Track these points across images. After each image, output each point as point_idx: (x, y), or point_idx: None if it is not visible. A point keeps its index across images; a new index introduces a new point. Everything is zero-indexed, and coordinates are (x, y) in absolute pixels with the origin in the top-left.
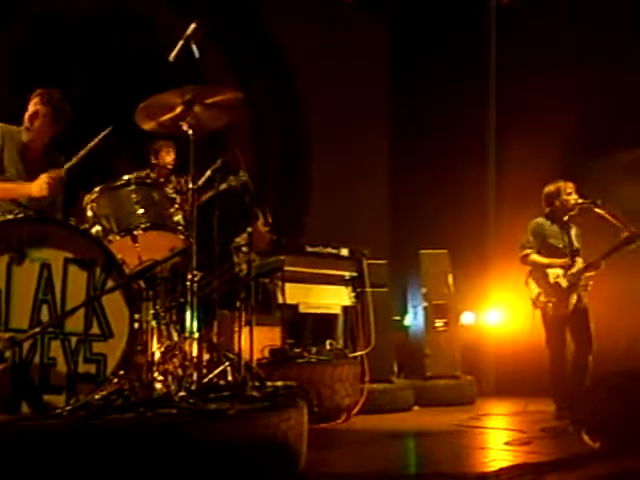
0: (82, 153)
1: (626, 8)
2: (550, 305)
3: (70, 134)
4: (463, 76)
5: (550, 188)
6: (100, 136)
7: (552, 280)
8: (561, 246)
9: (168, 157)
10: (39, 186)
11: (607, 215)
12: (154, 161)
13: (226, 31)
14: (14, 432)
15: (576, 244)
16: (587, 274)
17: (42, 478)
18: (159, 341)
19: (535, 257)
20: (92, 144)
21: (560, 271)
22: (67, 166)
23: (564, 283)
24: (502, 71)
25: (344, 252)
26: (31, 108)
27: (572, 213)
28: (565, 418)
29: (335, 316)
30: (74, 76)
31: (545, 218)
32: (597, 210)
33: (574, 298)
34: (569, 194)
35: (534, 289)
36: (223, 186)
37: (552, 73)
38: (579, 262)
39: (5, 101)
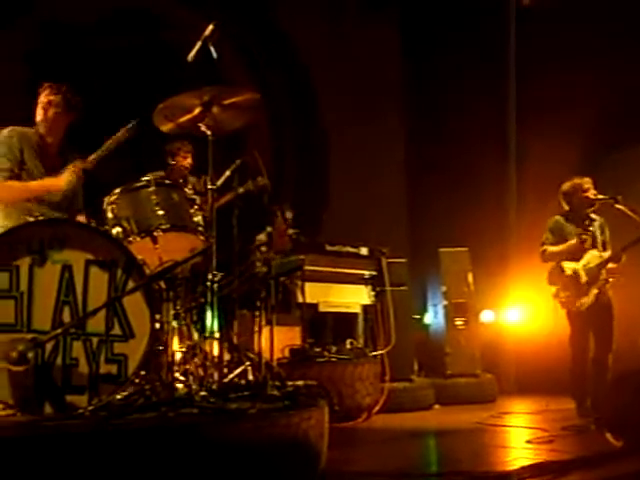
0: (107, 145)
1: None
2: (571, 299)
3: (89, 135)
4: (482, 73)
5: (566, 186)
6: (124, 129)
7: (569, 272)
8: (582, 241)
9: (185, 160)
10: (67, 177)
11: (627, 210)
12: (171, 162)
13: (240, 30)
14: (37, 432)
15: (600, 237)
16: (608, 267)
17: (64, 478)
18: (180, 341)
19: (550, 249)
20: (117, 137)
21: (577, 265)
22: (92, 157)
23: (583, 277)
24: (521, 68)
25: (363, 251)
26: (44, 99)
27: (593, 209)
28: (587, 416)
29: (355, 315)
30: (89, 78)
31: (563, 217)
32: (617, 206)
33: (594, 292)
34: (587, 190)
35: (555, 284)
36: (241, 190)
37: (571, 70)
38: (595, 254)
39: (19, 106)
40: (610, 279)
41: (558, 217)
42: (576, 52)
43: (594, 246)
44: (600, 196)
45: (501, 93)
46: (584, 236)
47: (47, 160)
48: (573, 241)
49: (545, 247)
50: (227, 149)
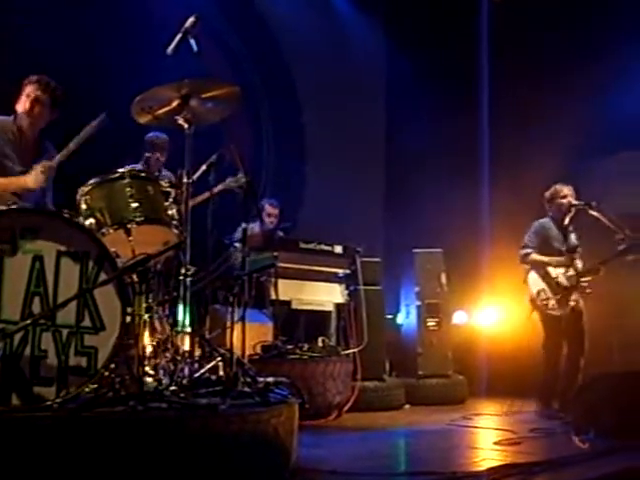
0: (74, 143)
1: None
2: (551, 303)
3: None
4: (457, 75)
5: (549, 191)
6: (93, 123)
7: (554, 277)
8: (563, 249)
9: (156, 154)
10: (34, 177)
11: (601, 217)
12: (147, 154)
13: (221, 23)
14: (4, 424)
15: (577, 245)
16: (586, 278)
17: (31, 469)
18: (151, 335)
19: (535, 256)
20: (85, 131)
21: (560, 270)
22: (59, 157)
23: (565, 282)
24: (495, 73)
25: (338, 249)
26: (31, 94)
27: (570, 215)
28: (552, 419)
29: (328, 313)
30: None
31: (549, 220)
32: (591, 212)
33: (573, 299)
34: (564, 197)
35: (535, 286)
36: (219, 187)
37: (545, 76)
38: (578, 263)
39: None
40: (587, 290)
41: (543, 220)
42: (549, 61)
43: (571, 254)
44: (575, 202)
45: (476, 96)
46: (576, 259)
47: (22, 151)
48: (556, 260)
49: (529, 251)
50: (205, 142)
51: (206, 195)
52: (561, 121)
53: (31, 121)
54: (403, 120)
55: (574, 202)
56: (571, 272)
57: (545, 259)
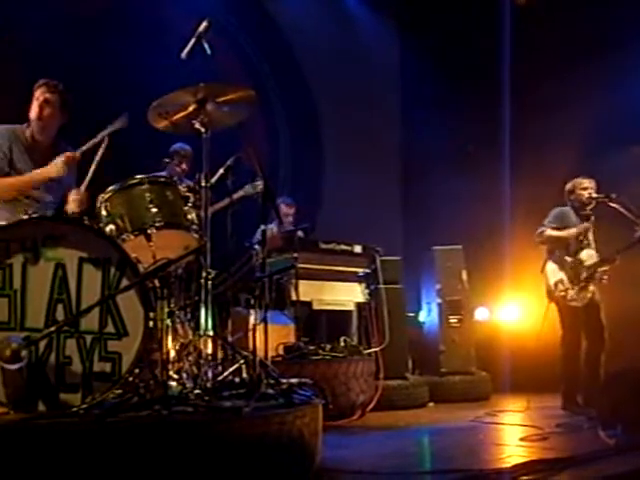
0: (97, 138)
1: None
2: (570, 294)
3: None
4: (476, 73)
5: (568, 185)
6: (115, 121)
7: (572, 264)
8: (580, 238)
9: (182, 164)
10: (56, 166)
11: (622, 209)
12: (172, 163)
13: (235, 27)
14: (31, 430)
15: (592, 238)
16: (602, 268)
17: (58, 476)
18: (174, 339)
19: (550, 232)
20: (107, 129)
21: (577, 261)
22: (82, 148)
23: (584, 273)
24: (517, 71)
25: (357, 249)
26: (40, 97)
27: (589, 208)
28: (577, 414)
29: (349, 313)
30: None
31: (569, 208)
32: (612, 204)
33: (590, 290)
34: (584, 189)
35: (553, 276)
36: (240, 194)
37: (565, 72)
38: (591, 253)
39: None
40: (602, 280)
41: (565, 208)
42: (570, 59)
43: (587, 244)
44: (595, 195)
45: (496, 93)
46: (586, 225)
47: (37, 158)
48: (574, 230)
49: (545, 229)
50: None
51: (226, 202)
52: (584, 115)
53: (43, 125)
54: (420, 117)
55: (594, 194)
56: (588, 262)
57: (559, 233)
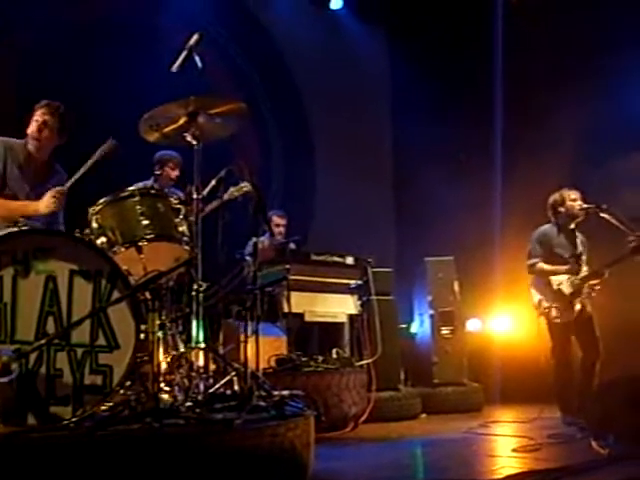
0: (84, 169)
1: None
2: (553, 311)
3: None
4: (468, 80)
5: (555, 196)
6: (102, 148)
7: (555, 287)
8: (567, 255)
9: (173, 172)
10: (46, 202)
11: (613, 220)
12: (157, 172)
13: (225, 39)
14: (21, 443)
15: (582, 252)
16: (591, 282)
17: None
18: (165, 352)
19: (542, 265)
20: (94, 159)
21: (563, 278)
22: (69, 183)
23: (567, 290)
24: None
25: (349, 260)
26: (39, 118)
27: (578, 219)
28: (572, 425)
29: (341, 324)
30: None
31: (552, 226)
32: (603, 215)
33: (578, 305)
34: (574, 200)
35: (535, 295)
36: (225, 197)
37: (558, 79)
38: (584, 270)
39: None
40: (592, 294)
41: (546, 227)
42: (563, 66)
43: (577, 260)
44: (585, 205)
45: (489, 104)
46: (582, 265)
47: (31, 174)
48: (563, 268)
49: (535, 261)
50: (214, 159)
51: (213, 205)
52: (577, 123)
53: (38, 145)
54: (411, 128)
55: (585, 205)
56: (574, 278)
57: (552, 268)
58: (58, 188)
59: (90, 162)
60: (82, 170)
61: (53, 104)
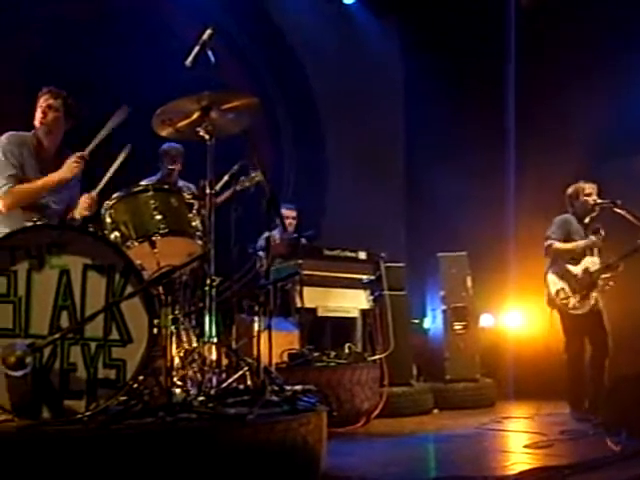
0: (101, 134)
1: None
2: (571, 302)
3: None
4: (480, 77)
5: (570, 190)
6: (116, 115)
7: (575, 274)
8: (582, 245)
9: (174, 164)
10: (69, 166)
11: (627, 215)
12: (166, 165)
13: (239, 35)
14: (35, 437)
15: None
16: (605, 275)
17: None
18: (178, 346)
19: (558, 245)
20: (109, 124)
21: (580, 269)
22: (90, 148)
23: (586, 281)
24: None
25: (362, 255)
26: (43, 103)
27: (593, 214)
28: (583, 420)
29: (354, 319)
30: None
31: (571, 216)
32: (617, 210)
33: (592, 298)
34: (588, 195)
35: (554, 285)
36: (237, 187)
37: (570, 80)
38: (596, 261)
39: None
40: (606, 286)
41: (566, 215)
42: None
43: (591, 253)
44: (599, 200)
45: (501, 99)
46: (594, 240)
47: (44, 164)
48: (582, 242)
49: (552, 242)
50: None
51: (226, 195)
52: (589, 123)
53: (47, 130)
54: (423, 124)
55: (599, 200)
56: (591, 270)
57: (568, 246)
58: (78, 153)
59: (107, 127)
60: (101, 134)
61: (55, 89)
